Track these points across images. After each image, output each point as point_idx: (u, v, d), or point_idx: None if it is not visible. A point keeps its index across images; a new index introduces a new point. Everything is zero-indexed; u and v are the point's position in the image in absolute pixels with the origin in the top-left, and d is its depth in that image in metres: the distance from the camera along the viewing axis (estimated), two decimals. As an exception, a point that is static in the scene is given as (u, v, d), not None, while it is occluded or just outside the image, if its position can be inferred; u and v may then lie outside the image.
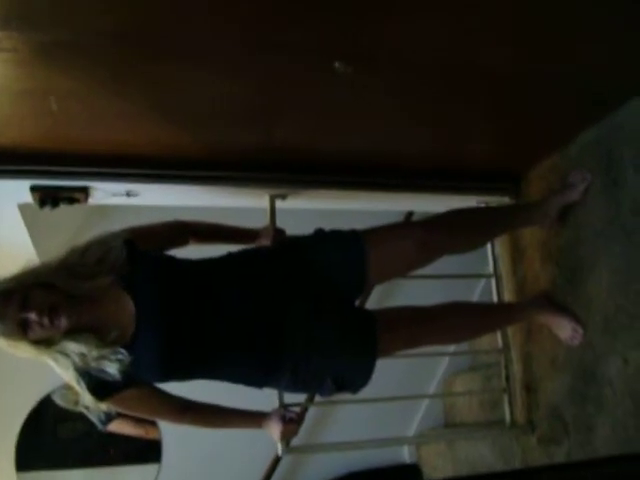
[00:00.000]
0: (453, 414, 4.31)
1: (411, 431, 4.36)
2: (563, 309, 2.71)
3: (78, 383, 2.01)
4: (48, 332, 1.94)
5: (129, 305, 2.03)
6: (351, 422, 4.05)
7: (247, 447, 3.88)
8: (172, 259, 2.19)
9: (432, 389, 4.43)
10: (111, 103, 2.13)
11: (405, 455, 4.42)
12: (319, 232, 2.39)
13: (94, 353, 1.96)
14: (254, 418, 2.37)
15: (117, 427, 4.04)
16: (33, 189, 2.48)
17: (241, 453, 3.98)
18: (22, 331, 1.91)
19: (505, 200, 3.09)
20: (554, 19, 1.91)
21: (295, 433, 2.43)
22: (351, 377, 2.26)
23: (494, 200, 3.10)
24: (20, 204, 2.76)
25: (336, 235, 2.36)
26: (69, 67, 1.91)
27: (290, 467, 4.11)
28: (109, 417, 3.93)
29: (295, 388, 2.27)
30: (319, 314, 2.20)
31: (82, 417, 3.99)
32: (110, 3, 1.65)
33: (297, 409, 2.65)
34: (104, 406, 2.08)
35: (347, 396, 4.08)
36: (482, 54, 2.07)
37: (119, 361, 1.96)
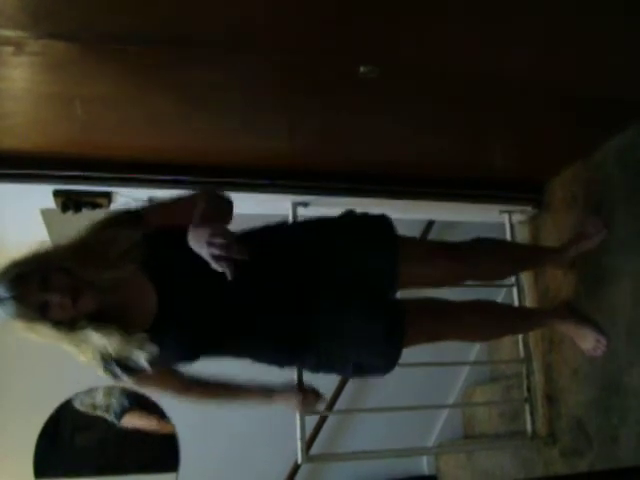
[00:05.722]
0: (473, 425, 4.27)
1: (430, 442, 4.32)
2: (586, 319, 2.68)
3: (104, 366, 1.97)
4: (70, 313, 1.87)
5: (151, 290, 1.97)
6: (370, 432, 4.02)
7: (266, 455, 3.88)
8: None
9: (452, 400, 4.39)
10: (136, 109, 2.15)
11: (424, 466, 4.38)
12: (349, 214, 2.37)
13: (118, 347, 1.90)
14: (265, 392, 2.35)
15: (130, 420, 4.02)
16: (56, 194, 2.50)
17: (260, 462, 3.95)
18: (42, 313, 1.84)
19: (528, 209, 3.09)
20: (576, 30, 1.91)
21: (313, 405, 2.46)
22: (374, 365, 2.24)
23: (516, 209, 3.10)
24: (42, 209, 2.77)
25: (367, 221, 2.34)
26: (96, 72, 1.92)
27: (309, 476, 4.08)
28: (123, 409, 3.99)
29: (318, 370, 2.26)
30: (347, 301, 2.16)
31: (99, 426, 4.04)
32: (139, 6, 1.65)
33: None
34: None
35: (367, 405, 4.05)
36: (504, 64, 2.08)
37: (147, 352, 1.91)
